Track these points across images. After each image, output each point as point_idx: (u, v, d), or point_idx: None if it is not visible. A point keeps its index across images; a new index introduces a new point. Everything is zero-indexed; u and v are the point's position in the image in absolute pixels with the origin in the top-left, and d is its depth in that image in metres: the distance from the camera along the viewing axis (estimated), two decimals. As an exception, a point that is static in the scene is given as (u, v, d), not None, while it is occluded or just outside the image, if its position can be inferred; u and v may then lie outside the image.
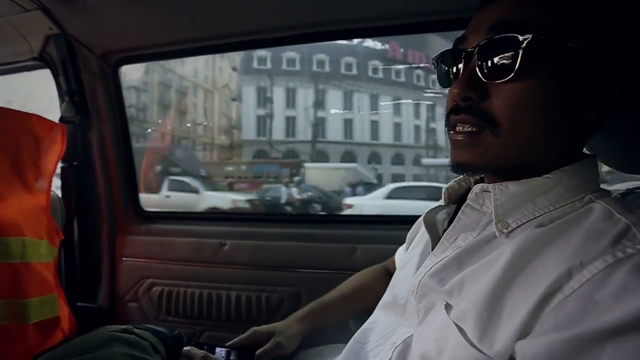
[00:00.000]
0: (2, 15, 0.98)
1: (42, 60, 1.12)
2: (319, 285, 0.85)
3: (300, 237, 1.11)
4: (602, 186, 0.44)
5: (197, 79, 14.57)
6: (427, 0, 0.89)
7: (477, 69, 0.41)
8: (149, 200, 7.14)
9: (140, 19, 1.02)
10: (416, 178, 12.42)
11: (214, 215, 1.27)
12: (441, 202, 0.56)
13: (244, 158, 13.35)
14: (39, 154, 0.94)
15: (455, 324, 0.39)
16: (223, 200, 8.09)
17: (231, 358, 0.65)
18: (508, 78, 0.39)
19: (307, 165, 11.30)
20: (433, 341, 0.41)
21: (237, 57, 14.62)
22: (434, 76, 0.50)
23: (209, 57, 14.32)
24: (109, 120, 1.21)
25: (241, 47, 1.15)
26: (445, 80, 0.47)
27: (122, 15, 1.00)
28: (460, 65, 0.43)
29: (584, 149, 0.46)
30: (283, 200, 7.91)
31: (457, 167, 0.44)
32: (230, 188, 10.00)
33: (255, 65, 14.80)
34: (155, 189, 7.83)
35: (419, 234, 0.60)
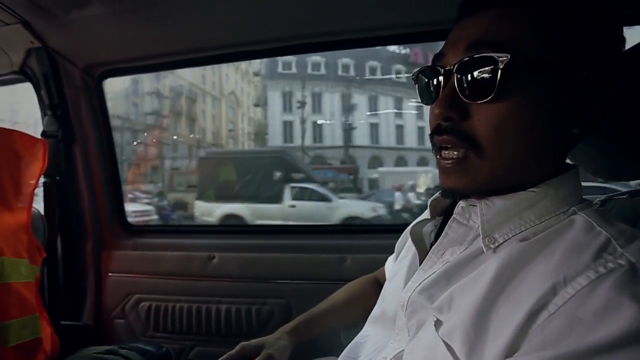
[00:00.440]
0: (-19, 29, 0.96)
1: (23, 74, 1.10)
2: (309, 296, 0.84)
3: (289, 248, 1.11)
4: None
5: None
6: (424, 11, 0.90)
7: (457, 88, 0.40)
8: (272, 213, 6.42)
9: (124, 32, 1.02)
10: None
11: (202, 228, 1.25)
12: (426, 214, 0.56)
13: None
14: (19, 170, 0.92)
15: (444, 341, 0.39)
16: (364, 208, 6.75)
17: None
18: (488, 99, 0.38)
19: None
20: (422, 358, 0.41)
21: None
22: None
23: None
24: (93, 133, 1.19)
25: (226, 60, 1.16)
26: (426, 96, 0.46)
27: (105, 28, 0.99)
28: (440, 84, 0.42)
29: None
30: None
31: (448, 192, 0.44)
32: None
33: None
34: (275, 199, 6.83)
35: (406, 245, 0.60)
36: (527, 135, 0.39)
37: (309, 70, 14.14)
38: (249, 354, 0.66)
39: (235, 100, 15.38)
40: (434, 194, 0.54)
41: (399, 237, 0.67)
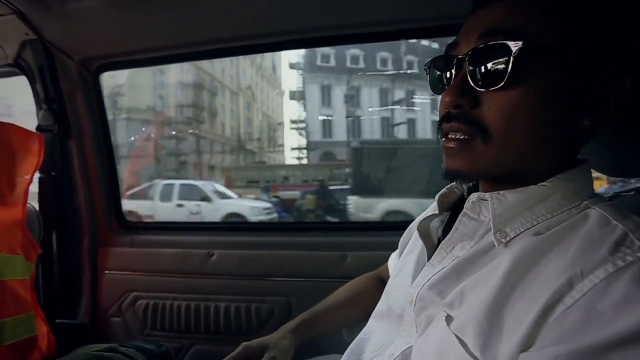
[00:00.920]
0: (-26, 20, 0.94)
1: (17, 67, 1.08)
2: (309, 294, 0.83)
3: (289, 245, 1.10)
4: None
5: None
6: (423, 6, 0.89)
7: (468, 76, 0.40)
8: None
9: (122, 25, 1.00)
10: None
11: (201, 225, 1.23)
12: (433, 209, 0.55)
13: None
14: (13, 165, 0.90)
15: (456, 335, 0.38)
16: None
17: None
18: (499, 86, 0.38)
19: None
20: (433, 354, 0.40)
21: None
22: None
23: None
24: (90, 128, 1.17)
25: (226, 54, 1.14)
26: (437, 87, 0.46)
27: (102, 20, 0.97)
28: (452, 72, 0.42)
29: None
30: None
31: (450, 174, 0.43)
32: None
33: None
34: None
35: (411, 241, 0.60)
36: (536, 124, 0.39)
37: (348, 64, 13.99)
38: (251, 355, 0.65)
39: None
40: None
41: (401, 234, 0.66)
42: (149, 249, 1.18)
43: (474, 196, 0.45)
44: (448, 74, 0.44)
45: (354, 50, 13.76)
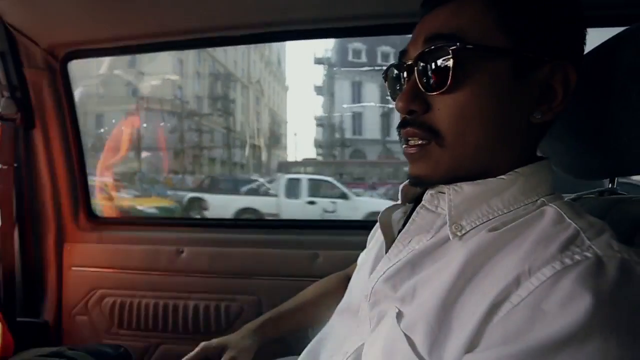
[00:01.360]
0: None
1: None
2: (280, 293, 0.81)
3: (260, 243, 1.08)
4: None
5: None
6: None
7: (417, 81, 0.41)
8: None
9: (92, 10, 0.95)
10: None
11: (171, 221, 1.21)
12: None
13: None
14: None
15: (405, 334, 0.37)
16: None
17: None
18: (445, 88, 0.39)
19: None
20: (382, 353, 0.39)
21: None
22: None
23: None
24: (57, 118, 1.12)
25: (202, 45, 1.11)
26: (394, 94, 0.47)
27: (71, 4, 0.93)
28: (404, 79, 0.43)
29: (538, 153, 0.46)
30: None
31: (414, 180, 0.44)
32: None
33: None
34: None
35: (376, 235, 0.59)
36: (487, 123, 0.39)
37: (379, 60, 14.05)
38: (211, 355, 0.63)
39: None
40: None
41: None
42: (117, 245, 1.15)
43: (432, 189, 0.45)
44: (400, 80, 0.45)
45: (384, 48, 13.82)
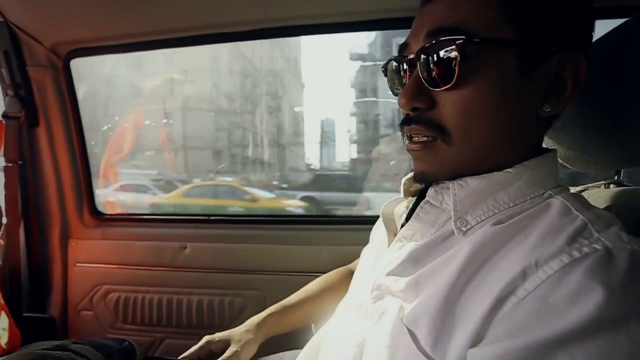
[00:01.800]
0: None
1: None
2: (283, 289, 0.81)
3: (264, 238, 1.08)
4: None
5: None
6: None
7: (421, 76, 0.39)
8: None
9: (95, 8, 0.95)
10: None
11: (174, 217, 1.21)
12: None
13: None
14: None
15: (408, 328, 0.37)
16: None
17: None
18: (451, 84, 0.37)
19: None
20: (385, 347, 0.38)
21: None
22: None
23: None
24: (61, 115, 1.13)
25: (205, 41, 1.10)
26: (395, 89, 0.45)
27: (74, 3, 0.93)
28: (406, 74, 0.41)
29: (544, 144, 0.46)
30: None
31: (419, 177, 0.43)
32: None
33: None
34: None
35: (378, 230, 0.58)
36: (495, 118, 0.38)
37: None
38: (214, 349, 0.63)
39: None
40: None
41: None
42: (121, 241, 1.15)
43: (437, 184, 0.44)
44: (402, 75, 0.43)
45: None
